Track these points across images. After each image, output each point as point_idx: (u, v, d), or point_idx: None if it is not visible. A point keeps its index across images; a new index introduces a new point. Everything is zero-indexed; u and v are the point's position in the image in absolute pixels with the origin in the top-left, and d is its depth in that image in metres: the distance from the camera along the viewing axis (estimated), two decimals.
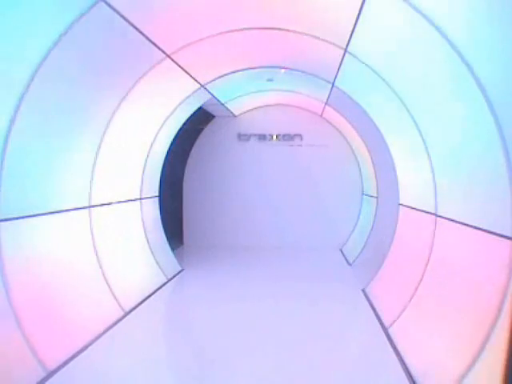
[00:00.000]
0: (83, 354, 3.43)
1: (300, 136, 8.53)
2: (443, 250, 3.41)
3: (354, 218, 8.35)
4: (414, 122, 3.69)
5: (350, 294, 5.32)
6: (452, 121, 2.99)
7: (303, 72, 5.59)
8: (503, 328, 2.21)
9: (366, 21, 3.23)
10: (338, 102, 6.41)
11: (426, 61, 3.01)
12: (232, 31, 4.10)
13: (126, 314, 4.43)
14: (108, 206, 4.62)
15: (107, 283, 4.30)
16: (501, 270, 2.30)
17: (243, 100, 7.60)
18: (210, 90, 5.94)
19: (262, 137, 8.60)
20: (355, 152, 8.24)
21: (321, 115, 8.34)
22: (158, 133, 5.66)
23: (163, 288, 5.58)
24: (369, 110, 5.17)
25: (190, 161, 8.69)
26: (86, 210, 4.11)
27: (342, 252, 8.05)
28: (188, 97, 5.63)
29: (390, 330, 3.87)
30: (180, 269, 6.54)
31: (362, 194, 8.32)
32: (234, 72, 5.53)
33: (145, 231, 5.73)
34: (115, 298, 4.37)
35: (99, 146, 4.13)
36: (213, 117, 8.52)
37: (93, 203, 4.21)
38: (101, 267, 4.25)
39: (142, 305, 4.82)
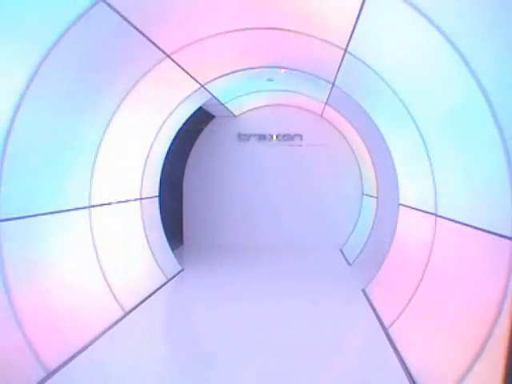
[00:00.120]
0: (83, 354, 3.43)
1: (300, 136, 8.53)
2: (443, 250, 3.41)
3: (354, 218, 8.35)
4: (414, 122, 3.69)
5: (350, 294, 5.31)
6: (452, 121, 2.99)
7: (303, 72, 5.60)
8: (503, 328, 2.21)
9: (365, 21, 3.23)
10: (338, 101, 6.42)
11: (426, 61, 3.01)
12: (232, 31, 4.10)
13: (126, 314, 4.44)
14: (108, 206, 4.62)
15: (107, 283, 4.30)
16: (501, 270, 2.30)
17: (243, 100, 7.60)
18: (210, 90, 5.95)
19: (262, 137, 8.60)
20: (355, 152, 8.24)
21: (321, 115, 8.34)
22: (158, 133, 5.66)
23: (163, 288, 5.58)
24: (369, 110, 5.17)
25: (189, 161, 8.69)
26: (86, 210, 4.11)
27: (341, 252, 8.05)
28: (188, 97, 5.63)
29: (390, 330, 3.87)
30: (180, 269, 6.54)
31: (362, 193, 8.32)
32: (233, 72, 5.53)
33: (145, 231, 5.73)
34: (115, 298, 4.37)
35: (99, 146, 4.13)
36: (213, 117, 8.52)
37: (93, 203, 4.21)
38: (101, 267, 4.25)
39: (142, 305, 4.82)
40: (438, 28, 2.51)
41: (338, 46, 4.06)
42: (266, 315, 4.55)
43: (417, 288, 3.70)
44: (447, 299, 3.09)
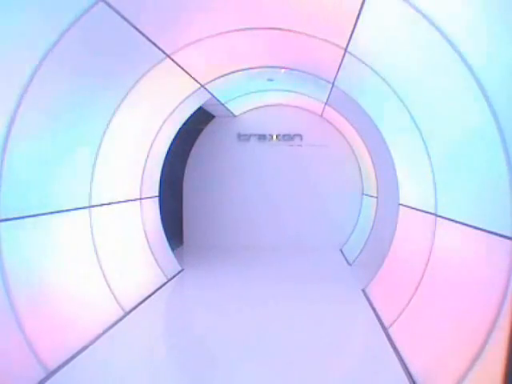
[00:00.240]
0: (83, 354, 3.43)
1: (300, 136, 8.53)
2: (443, 249, 3.41)
3: (354, 218, 8.35)
4: (414, 121, 3.69)
5: (350, 294, 5.31)
6: (452, 121, 2.99)
7: (303, 72, 5.60)
8: (503, 328, 2.21)
9: (365, 21, 3.23)
10: (338, 101, 6.41)
11: (426, 61, 3.01)
12: (232, 31, 4.10)
13: (126, 314, 4.43)
14: (108, 206, 4.62)
15: (107, 283, 4.30)
16: (501, 269, 2.30)
17: (243, 100, 7.60)
18: (210, 90, 5.95)
19: (262, 137, 8.60)
20: (355, 152, 8.24)
21: (321, 115, 8.34)
22: (158, 133, 5.66)
23: (163, 288, 5.58)
24: (369, 110, 5.17)
25: (189, 161, 8.69)
26: (86, 210, 4.11)
27: (342, 252, 8.05)
28: (188, 97, 5.63)
29: (390, 330, 3.87)
30: (180, 269, 6.54)
31: (362, 193, 8.32)
32: (233, 72, 5.53)
33: (145, 231, 5.73)
34: (115, 298, 4.37)
35: (99, 146, 4.13)
36: (213, 117, 8.52)
37: (93, 203, 4.21)
38: (101, 267, 4.25)
39: (142, 305, 4.82)
40: (437, 28, 2.51)
41: (338, 46, 4.06)
42: (265, 315, 4.55)
43: (417, 288, 3.70)
44: (447, 299, 3.09)
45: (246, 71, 5.58)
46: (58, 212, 3.59)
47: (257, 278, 6.19)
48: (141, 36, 3.51)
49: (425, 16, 2.55)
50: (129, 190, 5.34)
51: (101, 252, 4.28)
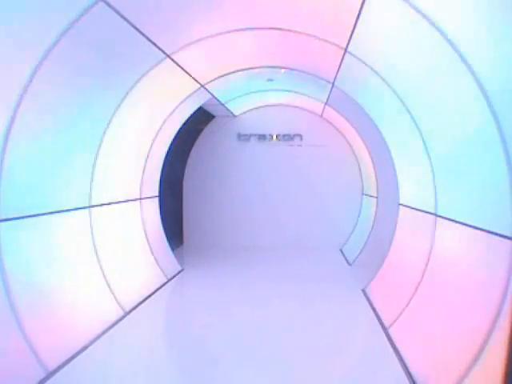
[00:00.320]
0: (83, 354, 3.43)
1: (300, 136, 8.53)
2: (443, 249, 3.41)
3: (354, 218, 8.35)
4: (414, 121, 3.69)
5: (350, 294, 5.31)
6: (452, 121, 2.99)
7: (303, 72, 5.60)
8: (503, 328, 2.21)
9: (365, 21, 3.23)
10: (338, 102, 6.41)
11: (426, 61, 3.01)
12: (232, 31, 4.10)
13: (126, 314, 4.43)
14: (108, 206, 4.62)
15: (107, 283, 4.30)
16: (501, 269, 2.30)
17: (243, 100, 7.60)
18: (210, 90, 5.94)
19: (262, 137, 8.60)
20: (355, 152, 8.24)
21: (321, 115, 8.34)
22: (158, 132, 5.66)
23: (163, 288, 5.58)
24: (369, 110, 5.17)
25: (189, 161, 8.69)
26: (86, 210, 4.11)
27: (341, 252, 8.05)
28: (188, 97, 5.63)
29: (390, 330, 3.87)
30: (180, 269, 6.54)
31: (362, 193, 8.32)
32: (234, 72, 5.53)
33: (145, 231, 5.73)
34: (115, 297, 4.37)
35: (99, 146, 4.12)
36: (213, 117, 8.52)
37: (93, 203, 4.21)
38: (101, 267, 4.25)
39: (142, 305, 4.82)
40: (437, 28, 2.51)
41: (338, 46, 4.06)
42: (265, 315, 4.55)
43: (417, 288, 3.70)
44: (447, 299, 3.09)
45: (246, 71, 5.58)
46: (58, 212, 3.59)
47: (257, 278, 6.19)
48: (141, 36, 3.51)
49: (425, 16, 2.55)
50: (129, 190, 5.34)
51: (101, 252, 4.27)
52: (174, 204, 8.56)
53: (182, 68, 4.64)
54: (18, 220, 3.04)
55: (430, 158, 3.54)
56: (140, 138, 5.33)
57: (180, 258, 7.11)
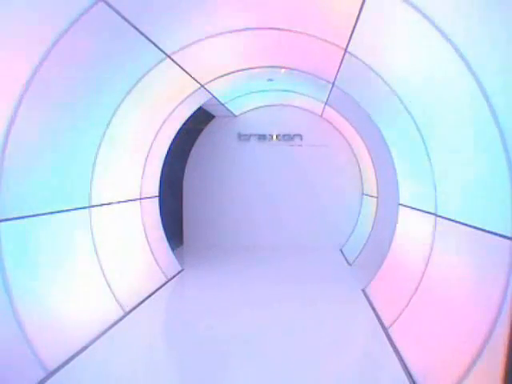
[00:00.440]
0: (83, 354, 3.43)
1: (300, 136, 8.53)
2: (443, 249, 3.41)
3: (354, 218, 8.35)
4: (414, 121, 3.69)
5: (350, 294, 5.32)
6: (452, 121, 2.99)
7: (303, 72, 5.60)
8: (503, 328, 2.21)
9: (366, 21, 3.23)
10: (338, 102, 6.42)
11: (425, 61, 3.01)
12: (232, 31, 4.10)
13: (126, 314, 4.44)
14: (108, 206, 4.62)
15: (107, 283, 4.30)
16: (501, 270, 2.30)
17: (243, 100, 7.60)
18: (210, 90, 5.95)
19: (262, 137, 8.60)
20: (355, 152, 8.24)
21: (321, 115, 8.34)
22: (157, 133, 5.66)
23: (163, 288, 5.58)
24: (368, 110, 5.17)
25: (190, 161, 8.69)
26: (86, 210, 4.11)
27: (341, 252, 8.05)
28: (188, 97, 5.63)
29: (390, 330, 3.87)
30: (180, 269, 6.54)
31: (362, 193, 8.32)
32: (233, 72, 5.53)
33: (145, 231, 5.73)
34: (115, 298, 4.37)
35: (99, 146, 4.13)
36: (213, 117, 8.52)
37: (93, 203, 4.21)
38: (101, 267, 4.25)
39: (142, 305, 4.82)
40: (437, 28, 2.51)
41: (338, 46, 4.06)
42: (266, 315, 4.55)
43: (417, 288, 3.70)
44: (447, 299, 3.09)
45: (246, 71, 5.58)
46: (58, 212, 3.59)
47: (257, 278, 6.19)
48: (141, 36, 3.51)
49: (425, 16, 2.55)
50: (129, 190, 5.34)
51: (101, 252, 4.28)
52: (174, 204, 8.56)
53: (182, 68, 4.64)
54: (18, 220, 3.04)
55: (430, 158, 3.54)
56: (140, 137, 5.33)
57: (180, 258, 7.11)
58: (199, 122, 8.21)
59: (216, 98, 6.60)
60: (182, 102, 5.64)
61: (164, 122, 5.66)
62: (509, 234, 2.25)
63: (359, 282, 5.69)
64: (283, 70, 5.69)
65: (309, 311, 4.69)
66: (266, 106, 8.48)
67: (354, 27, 3.44)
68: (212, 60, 4.97)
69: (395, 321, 3.87)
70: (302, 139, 8.54)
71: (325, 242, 8.45)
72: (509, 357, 2.07)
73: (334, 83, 5.47)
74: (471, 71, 2.39)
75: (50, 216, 3.46)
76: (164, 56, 4.12)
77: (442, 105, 3.07)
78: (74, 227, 3.93)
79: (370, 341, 3.95)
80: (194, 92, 5.60)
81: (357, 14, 3.18)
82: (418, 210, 4.14)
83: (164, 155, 6.33)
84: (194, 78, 5.15)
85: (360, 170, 8.30)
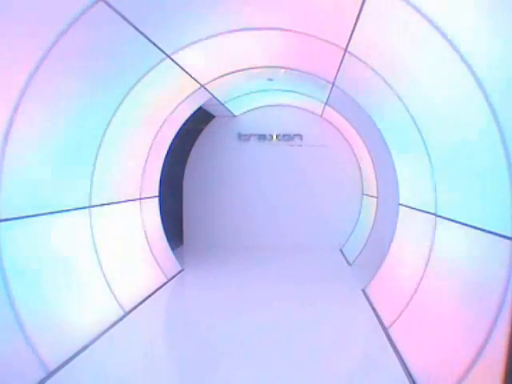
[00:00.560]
0: (83, 354, 3.43)
1: (300, 136, 8.53)
2: (443, 249, 3.41)
3: (354, 218, 8.35)
4: (414, 121, 3.69)
5: (350, 294, 5.32)
6: (452, 120, 2.99)
7: (303, 72, 5.59)
8: (503, 328, 2.21)
9: (365, 21, 3.23)
10: (338, 101, 6.41)
11: (426, 60, 3.01)
12: (232, 31, 4.10)
13: (126, 314, 4.44)
14: (108, 206, 4.62)
15: (107, 283, 4.30)
16: (500, 270, 2.30)
17: (243, 100, 7.60)
18: (210, 90, 5.95)
19: (262, 137, 8.60)
20: (355, 152, 8.24)
21: (321, 115, 8.34)
22: (157, 132, 5.66)
23: (163, 288, 5.58)
24: (369, 110, 5.17)
25: (189, 161, 8.69)
26: (86, 210, 4.11)
27: (342, 252, 8.05)
28: (188, 97, 5.63)
29: (390, 330, 3.87)
30: (180, 269, 6.54)
31: (362, 193, 8.32)
32: (233, 72, 5.53)
33: (145, 231, 5.73)
34: (115, 297, 4.37)
35: (99, 146, 4.12)
36: (213, 117, 8.52)
37: (93, 203, 4.21)
38: (101, 267, 4.25)
39: (142, 305, 4.82)
40: (437, 28, 2.51)
41: (338, 46, 4.06)
42: (265, 315, 4.55)
43: (417, 288, 3.70)
44: (447, 299, 3.09)
45: (246, 71, 5.58)
46: (58, 212, 3.59)
47: (257, 278, 6.19)
48: (141, 36, 3.51)
49: (425, 16, 2.55)
50: (129, 190, 5.34)
51: (101, 252, 4.28)
52: (174, 204, 8.56)
53: (182, 68, 4.64)
54: (18, 220, 3.04)
55: (430, 158, 3.54)
56: (140, 137, 5.33)
57: (180, 258, 7.11)
58: (199, 121, 8.21)
59: (216, 98, 6.60)
60: (182, 102, 5.64)
61: (164, 122, 5.66)
62: (509, 234, 2.25)
63: (359, 281, 5.69)
64: (283, 70, 5.69)
65: (309, 311, 4.69)
66: (265, 106, 8.47)
67: (354, 27, 3.43)
68: (212, 60, 4.97)
69: (395, 321, 3.87)
70: (301, 139, 8.54)
71: (325, 241, 8.45)
72: (509, 357, 2.07)
73: (333, 83, 5.47)
74: (471, 71, 2.39)
75: (49, 216, 3.47)
76: (164, 56, 4.12)
77: (442, 104, 3.07)
78: (74, 227, 3.93)
79: (369, 341, 3.95)
80: (194, 92, 5.60)
81: (357, 14, 3.18)
82: (418, 210, 4.14)
83: (164, 155, 6.33)
84: (193, 78, 5.15)
85: (360, 170, 8.30)
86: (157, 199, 6.37)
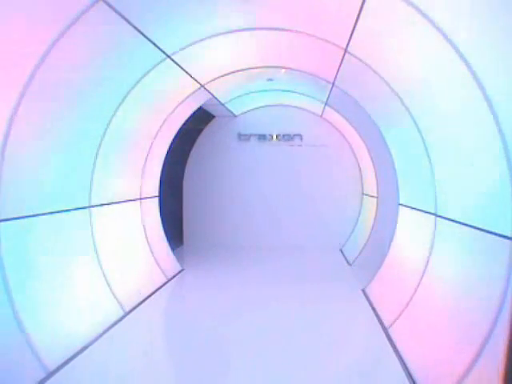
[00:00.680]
0: (83, 354, 3.43)
1: (300, 136, 8.53)
2: (443, 249, 3.41)
3: (354, 218, 8.35)
4: (414, 121, 3.69)
5: (350, 294, 5.32)
6: (452, 120, 2.99)
7: (303, 72, 5.59)
8: (503, 328, 2.21)
9: (366, 21, 3.23)
10: (338, 101, 6.41)
11: (425, 60, 3.01)
12: (232, 31, 4.10)
13: (126, 314, 4.43)
14: (108, 206, 4.62)
15: (107, 283, 4.30)
16: (501, 270, 2.30)
17: (243, 100, 7.60)
18: (210, 90, 5.95)
19: (262, 137, 8.60)
20: (355, 152, 8.24)
21: (321, 115, 8.34)
22: (157, 133, 5.66)
23: (163, 288, 5.58)
24: (368, 110, 5.17)
25: (189, 161, 8.69)
26: (86, 210, 4.11)
27: (342, 252, 8.05)
28: (188, 97, 5.63)
29: (390, 330, 3.87)
30: (180, 269, 6.54)
31: (362, 193, 8.32)
32: (233, 72, 5.53)
33: (145, 231, 5.73)
34: (115, 297, 4.37)
35: (99, 146, 4.12)
36: (213, 117, 8.52)
37: (93, 203, 4.21)
38: (101, 267, 4.25)
39: (142, 305, 4.82)
40: (438, 28, 2.51)
41: (338, 46, 4.06)
42: (266, 315, 4.55)
43: (417, 288, 3.70)
44: (447, 299, 3.09)
45: (245, 71, 5.58)
46: (58, 212, 3.59)
47: (257, 278, 6.19)
48: (141, 36, 3.51)
49: (425, 16, 2.55)
50: (129, 190, 5.34)
51: (101, 252, 4.28)
52: (174, 204, 8.56)
53: (182, 68, 4.64)
54: (18, 220, 3.04)
55: (430, 158, 3.54)
56: (140, 138, 5.32)
57: (180, 258, 7.10)
58: (199, 121, 8.21)
59: (216, 98, 6.60)
60: (182, 102, 5.64)
61: (164, 122, 5.66)
62: (509, 234, 2.25)
63: (359, 281, 5.69)
64: (283, 70, 5.69)
65: (309, 311, 4.69)
66: (265, 105, 8.47)
67: (354, 27, 3.43)
68: (212, 60, 4.97)
69: (395, 321, 3.87)
70: (301, 139, 8.54)
71: (325, 241, 8.45)
72: (509, 357, 2.07)
73: (333, 83, 5.47)
74: (471, 71, 2.39)
75: (49, 216, 3.46)
76: (164, 56, 4.12)
77: (442, 104, 3.07)
78: (74, 227, 3.93)
79: (370, 341, 3.95)
80: (194, 92, 5.60)
81: (357, 14, 3.18)
82: (418, 209, 4.14)
83: (164, 155, 6.33)
84: (193, 78, 5.15)
85: (360, 170, 8.30)
86: (157, 199, 6.37)
